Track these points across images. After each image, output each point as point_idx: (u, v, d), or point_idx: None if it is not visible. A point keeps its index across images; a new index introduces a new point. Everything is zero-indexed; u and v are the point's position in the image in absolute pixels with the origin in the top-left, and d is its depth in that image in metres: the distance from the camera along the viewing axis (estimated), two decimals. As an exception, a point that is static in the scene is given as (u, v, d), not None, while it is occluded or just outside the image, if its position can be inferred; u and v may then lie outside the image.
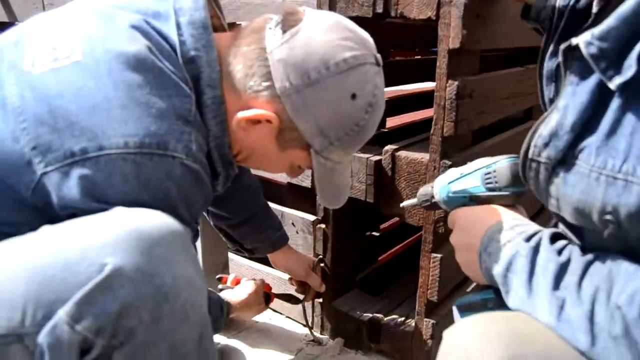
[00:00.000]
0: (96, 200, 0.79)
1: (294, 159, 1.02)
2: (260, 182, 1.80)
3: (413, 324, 1.40)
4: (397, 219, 1.93)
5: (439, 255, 1.31)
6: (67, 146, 0.78)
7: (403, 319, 1.45)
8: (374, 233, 1.74)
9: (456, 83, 1.18)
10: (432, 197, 0.93)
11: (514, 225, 0.76)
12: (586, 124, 0.63)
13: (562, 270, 0.67)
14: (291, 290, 1.54)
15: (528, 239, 0.73)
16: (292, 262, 1.47)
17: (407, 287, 1.55)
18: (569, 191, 0.64)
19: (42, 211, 0.82)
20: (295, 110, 0.91)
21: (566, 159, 0.64)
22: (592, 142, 0.61)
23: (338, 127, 0.94)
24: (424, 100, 2.04)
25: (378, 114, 0.99)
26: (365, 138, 1.01)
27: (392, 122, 1.90)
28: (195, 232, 0.94)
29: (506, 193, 0.84)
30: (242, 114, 0.92)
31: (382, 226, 1.81)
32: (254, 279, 1.50)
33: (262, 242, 1.43)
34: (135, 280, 0.72)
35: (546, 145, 0.66)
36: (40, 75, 0.81)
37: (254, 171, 1.43)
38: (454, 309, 0.85)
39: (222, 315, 1.28)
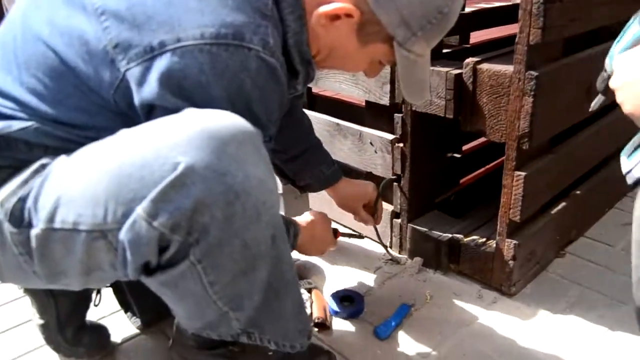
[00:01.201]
0: (173, 93, 0.80)
1: (375, 54, 0.99)
2: (338, 103, 1.79)
3: (494, 245, 1.37)
4: (480, 141, 1.87)
5: (523, 173, 1.25)
6: (147, 41, 0.79)
7: (484, 239, 1.42)
8: (455, 155, 1.69)
9: (545, -16, 1.08)
10: (605, 71, 0.86)
11: None
12: None
13: None
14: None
15: None
16: (350, 191, 1.44)
17: (489, 210, 1.50)
18: None
19: (123, 115, 0.85)
20: (377, 1, 0.88)
21: None
22: None
23: (421, 15, 0.90)
24: (513, 14, 1.90)
25: (460, 0, 0.94)
26: (448, 27, 0.96)
27: (476, 37, 1.80)
28: (270, 137, 0.94)
29: None
30: (321, 9, 0.90)
31: (465, 148, 1.75)
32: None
33: (316, 177, 1.40)
34: (207, 178, 0.74)
35: None
36: None
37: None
38: (622, 158, 0.82)
39: (288, 236, 1.21)
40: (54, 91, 0.84)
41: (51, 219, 0.79)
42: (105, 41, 0.81)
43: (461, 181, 1.77)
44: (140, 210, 0.74)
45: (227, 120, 0.79)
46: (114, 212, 0.76)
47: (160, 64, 0.79)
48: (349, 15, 0.89)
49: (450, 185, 1.73)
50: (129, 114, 0.85)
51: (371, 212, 1.47)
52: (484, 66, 1.24)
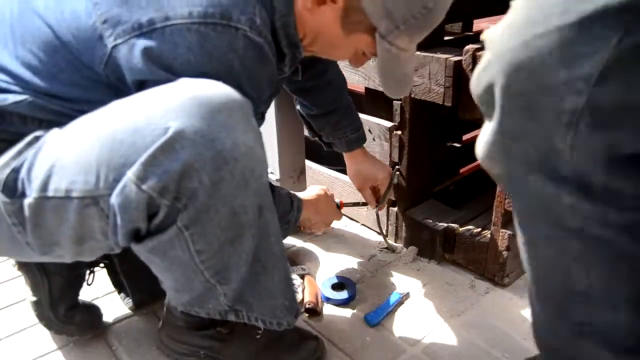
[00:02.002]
0: (164, 69, 0.82)
1: (358, 44, 0.98)
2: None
3: (489, 235, 1.36)
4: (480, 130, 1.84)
5: (519, 163, 1.23)
6: (135, 18, 0.80)
7: (479, 230, 1.41)
8: (455, 144, 1.67)
9: (546, -29, 1.06)
10: None
11: None
12: None
13: None
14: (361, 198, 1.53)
15: None
16: (365, 167, 1.45)
17: (487, 200, 1.49)
18: None
19: (115, 88, 0.86)
20: None
21: None
22: None
23: (405, 9, 0.89)
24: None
25: None
26: (433, 24, 0.95)
27: (480, 25, 1.78)
28: (261, 113, 0.95)
29: None
30: None
31: (465, 137, 1.73)
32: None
33: (339, 138, 1.42)
34: (196, 143, 0.75)
35: None
36: None
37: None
38: None
39: (291, 210, 1.24)
40: (48, 65, 0.85)
41: (44, 187, 0.80)
42: (95, 17, 0.82)
43: (461, 171, 1.76)
44: (130, 174, 0.75)
45: (218, 89, 0.80)
46: (105, 178, 0.77)
47: (148, 43, 0.80)
48: (333, 1, 0.90)
49: (450, 174, 1.72)
50: (121, 88, 0.85)
51: (376, 196, 1.47)
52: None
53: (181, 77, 0.81)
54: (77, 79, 0.86)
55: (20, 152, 0.83)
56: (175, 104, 0.76)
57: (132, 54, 0.81)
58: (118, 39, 0.81)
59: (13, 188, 0.81)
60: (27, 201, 0.80)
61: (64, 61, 0.85)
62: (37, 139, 0.84)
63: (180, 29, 0.80)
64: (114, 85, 0.86)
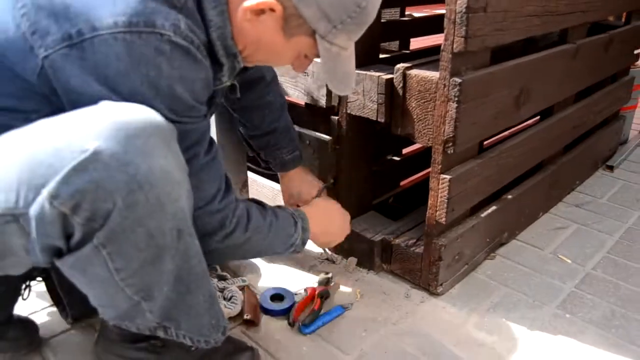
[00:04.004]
0: (98, 81, 0.83)
1: (300, 47, 1.02)
2: (290, 104, 1.81)
3: (422, 246, 1.41)
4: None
5: (448, 177, 1.29)
6: (64, 29, 0.82)
7: (414, 240, 1.46)
8: (395, 158, 1.72)
9: (467, -5, 1.12)
10: None
11: None
12: None
13: None
14: None
15: None
16: (292, 186, 1.48)
17: (424, 212, 1.53)
18: None
19: (49, 98, 0.87)
20: None
21: None
22: None
23: (340, 9, 0.95)
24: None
25: None
26: (368, 21, 1.00)
27: (421, 43, 1.84)
28: (204, 115, 0.97)
29: None
30: (245, 4, 0.93)
31: (405, 151, 1.79)
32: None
33: (274, 158, 1.45)
34: (110, 166, 0.77)
35: None
36: None
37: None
38: None
39: (295, 232, 1.22)
40: None
41: None
42: (24, 28, 0.83)
43: (401, 183, 1.81)
44: (45, 191, 0.77)
45: (139, 114, 0.82)
46: (25, 196, 0.78)
47: (79, 54, 0.82)
48: (272, 10, 0.93)
49: (390, 187, 1.77)
50: (54, 99, 0.87)
51: None
52: (413, 72, 1.28)
53: (117, 87, 0.83)
54: (11, 90, 0.87)
55: None
56: (95, 128, 0.78)
57: (64, 65, 0.83)
58: (48, 49, 0.82)
59: None
60: None
61: None
62: None
63: (107, 39, 0.82)
64: (49, 96, 0.87)
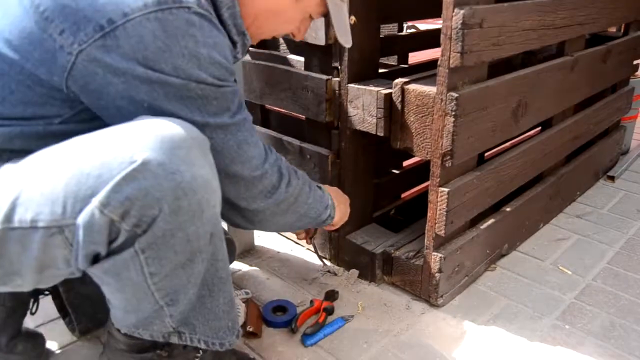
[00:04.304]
0: (139, 64, 0.86)
1: (308, 6, 1.10)
2: (282, 117, 1.84)
3: (422, 258, 1.42)
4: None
5: (447, 189, 1.31)
6: (95, 21, 0.84)
7: (414, 252, 1.47)
8: (395, 171, 1.75)
9: (462, 12, 1.15)
10: None
11: None
12: None
13: None
14: None
15: None
16: None
17: (424, 224, 1.56)
18: None
19: (72, 101, 0.90)
20: None
21: None
22: None
23: None
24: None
25: None
26: None
27: (420, 57, 1.87)
28: (234, 84, 1.00)
29: None
30: None
31: (406, 163, 1.81)
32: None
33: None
34: (158, 175, 0.81)
35: None
36: None
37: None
38: None
39: (329, 203, 1.30)
40: None
41: (8, 219, 0.83)
42: (50, 29, 0.85)
43: (403, 196, 1.83)
44: (95, 201, 0.80)
45: (179, 127, 0.87)
46: (72, 208, 0.81)
47: (115, 42, 0.85)
48: None
49: (392, 199, 1.79)
50: (77, 100, 0.90)
51: (308, 232, 1.52)
52: (411, 87, 1.30)
53: (158, 66, 0.87)
54: (30, 97, 0.90)
55: None
56: (141, 140, 0.82)
57: (102, 55, 0.85)
58: (82, 44, 0.84)
59: None
60: None
61: (14, 82, 0.88)
62: None
63: (140, 21, 0.85)
64: (71, 97, 0.90)
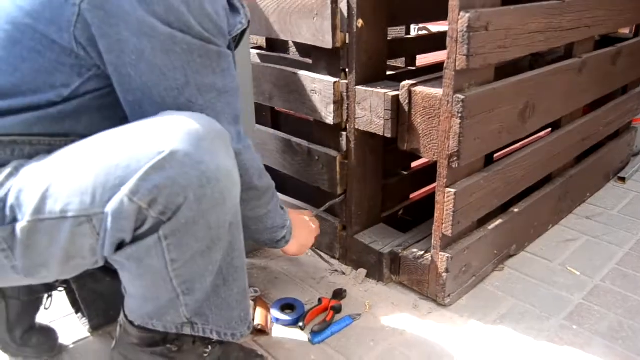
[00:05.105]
0: (140, 3, 0.87)
1: None
2: (290, 118, 1.86)
3: (430, 258, 1.44)
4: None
5: (453, 190, 1.32)
6: None
7: (421, 252, 1.49)
8: (403, 172, 1.76)
9: (467, 15, 1.16)
10: None
11: None
12: None
13: None
14: None
15: None
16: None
17: (432, 225, 1.57)
18: None
19: (80, 67, 0.93)
20: None
21: None
22: None
23: None
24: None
25: None
26: None
27: (428, 59, 1.88)
28: (222, 46, 1.00)
29: None
30: None
31: (415, 164, 1.82)
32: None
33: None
34: (185, 164, 0.85)
35: None
36: None
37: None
38: None
39: (284, 227, 1.29)
40: (9, 60, 0.92)
41: (38, 210, 0.86)
42: None
43: (411, 196, 1.85)
44: (125, 189, 0.84)
45: (203, 121, 0.91)
46: (101, 198, 0.85)
47: None
48: None
49: (400, 200, 1.80)
50: (87, 59, 0.92)
51: None
52: (418, 89, 1.32)
53: (152, 5, 0.88)
54: (40, 64, 0.92)
55: (2, 184, 0.89)
56: (167, 132, 0.86)
57: (103, 3, 0.87)
58: None
59: (2, 217, 0.88)
60: (20, 225, 0.87)
61: (26, 49, 0.91)
62: (16, 169, 0.91)
63: None
64: (80, 61, 0.92)
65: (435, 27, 3.66)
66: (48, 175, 0.88)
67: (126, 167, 0.84)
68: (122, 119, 0.98)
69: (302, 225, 1.40)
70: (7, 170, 0.91)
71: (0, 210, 0.88)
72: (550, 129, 1.93)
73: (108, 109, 0.98)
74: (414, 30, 6.09)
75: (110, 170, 0.85)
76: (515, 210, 1.63)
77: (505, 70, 1.48)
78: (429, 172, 1.92)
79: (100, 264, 0.94)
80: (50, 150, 0.94)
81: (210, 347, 1.13)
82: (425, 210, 1.76)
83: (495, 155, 1.99)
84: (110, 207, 0.85)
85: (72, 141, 0.94)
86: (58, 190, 0.86)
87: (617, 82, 2.03)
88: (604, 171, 2.20)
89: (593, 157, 2.05)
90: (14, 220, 0.87)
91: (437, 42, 1.91)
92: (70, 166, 0.88)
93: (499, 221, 1.56)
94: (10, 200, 0.88)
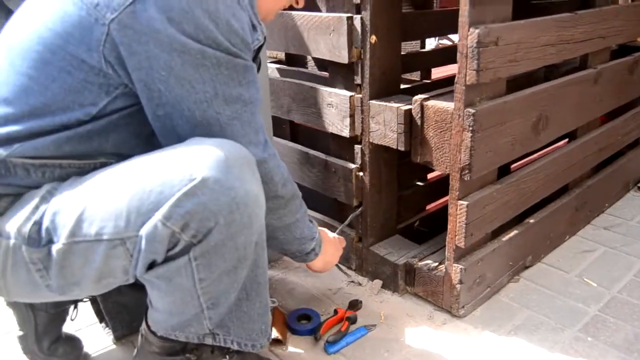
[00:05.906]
0: (170, 22, 0.91)
1: None
2: (309, 131, 1.90)
3: (444, 269, 1.45)
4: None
5: (466, 203, 1.34)
6: None
7: (436, 264, 1.50)
8: (419, 183, 1.78)
9: (477, 31, 1.19)
10: None
11: None
12: None
13: None
14: None
15: None
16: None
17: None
18: None
19: (108, 85, 0.96)
20: None
21: None
22: None
23: None
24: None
25: None
26: None
27: (443, 72, 1.90)
28: (247, 59, 1.03)
29: None
30: None
31: (430, 176, 1.84)
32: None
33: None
34: (215, 190, 0.90)
35: None
36: None
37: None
38: None
39: (315, 236, 1.32)
40: (40, 79, 0.95)
41: (74, 233, 0.91)
42: (85, 6, 0.92)
43: (427, 208, 1.86)
44: (159, 214, 0.89)
45: (231, 147, 0.95)
46: (135, 222, 0.90)
47: (143, 6, 0.90)
48: None
49: (416, 211, 1.82)
50: (115, 79, 0.95)
51: None
52: (430, 103, 1.34)
53: (182, 25, 0.91)
54: (69, 83, 0.95)
55: (37, 207, 0.94)
56: (198, 160, 0.91)
57: (133, 24, 0.90)
58: (114, 12, 0.90)
59: (38, 239, 0.92)
60: (56, 247, 0.91)
61: (57, 69, 0.94)
62: (50, 193, 0.95)
63: None
64: (108, 80, 0.95)
65: (457, 37, 3.66)
66: (82, 199, 0.93)
67: (159, 192, 0.89)
68: (147, 137, 1.02)
69: (330, 242, 1.42)
70: (41, 193, 0.96)
71: (36, 232, 0.92)
72: (567, 139, 1.93)
73: (134, 126, 1.02)
74: (435, 40, 6.12)
75: (144, 195, 0.89)
76: (531, 221, 1.64)
77: (519, 81, 1.50)
78: (445, 184, 1.93)
79: (131, 281, 0.99)
80: (80, 172, 0.99)
81: (228, 356, 1.16)
82: (442, 221, 1.77)
83: (512, 166, 2.00)
84: (144, 231, 0.89)
85: (102, 164, 0.99)
86: (93, 214, 0.91)
87: (635, 91, 2.02)
88: (623, 181, 2.19)
89: (611, 166, 2.05)
90: (50, 242, 0.92)
91: (452, 54, 1.93)
92: (104, 190, 0.93)
93: (513, 232, 1.57)
94: (45, 223, 0.92)
